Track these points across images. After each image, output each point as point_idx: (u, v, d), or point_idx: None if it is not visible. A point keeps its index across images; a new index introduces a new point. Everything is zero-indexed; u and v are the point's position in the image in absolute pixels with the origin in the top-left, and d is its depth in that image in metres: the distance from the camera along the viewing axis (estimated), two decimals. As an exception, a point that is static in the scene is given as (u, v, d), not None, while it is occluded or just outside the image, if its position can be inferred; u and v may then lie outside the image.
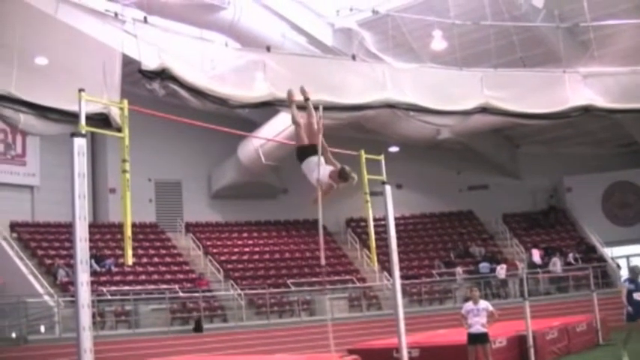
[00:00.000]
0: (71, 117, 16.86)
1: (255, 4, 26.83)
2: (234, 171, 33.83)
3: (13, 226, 29.55)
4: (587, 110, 26.26)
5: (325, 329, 24.49)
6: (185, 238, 33.79)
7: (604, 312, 24.85)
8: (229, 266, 31.99)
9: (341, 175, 10.31)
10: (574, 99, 25.99)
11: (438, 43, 27.53)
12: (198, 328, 26.03)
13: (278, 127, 28.46)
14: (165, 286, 28.26)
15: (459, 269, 32.94)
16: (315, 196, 10.38)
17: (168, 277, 29.82)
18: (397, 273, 14.13)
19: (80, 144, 8.71)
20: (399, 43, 28.14)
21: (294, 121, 10.90)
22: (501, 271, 32.17)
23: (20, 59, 18.08)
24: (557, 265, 32.59)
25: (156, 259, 31.00)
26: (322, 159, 10.44)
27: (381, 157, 14.53)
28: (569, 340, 21.32)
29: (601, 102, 26.24)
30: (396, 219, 15.35)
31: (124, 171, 9.11)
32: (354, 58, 25.12)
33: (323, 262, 14.13)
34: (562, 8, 26.15)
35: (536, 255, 33.92)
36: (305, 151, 10.61)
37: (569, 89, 25.90)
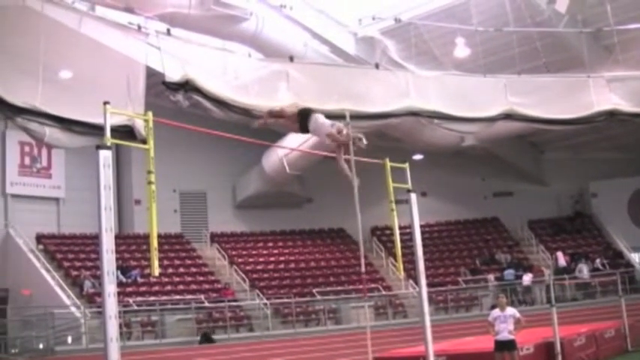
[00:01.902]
0: (96, 129, 17.02)
1: (277, 14, 26.86)
2: (259, 181, 33.85)
3: (40, 238, 29.75)
4: (612, 115, 26.14)
5: (351, 338, 24.72)
6: (210, 248, 33.82)
7: (632, 318, 24.65)
8: (255, 276, 31.99)
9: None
10: (599, 104, 25.89)
11: (461, 50, 27.47)
12: (207, 340, 25.98)
13: (302, 137, 28.43)
14: (190, 297, 28.36)
15: (490, 276, 32.73)
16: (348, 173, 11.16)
17: (193, 287, 29.88)
18: (423, 281, 14.09)
19: (105, 156, 8.76)
20: (422, 50, 28.06)
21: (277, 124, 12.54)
22: (526, 277, 31.95)
23: (45, 73, 18.25)
24: (583, 271, 32.32)
25: (181, 270, 31.07)
26: (321, 116, 10.99)
27: (406, 165, 14.47)
28: (597, 347, 21.15)
29: (626, 106, 26.12)
30: (421, 227, 15.24)
31: (150, 182, 9.13)
32: (377, 66, 25.17)
33: (363, 269, 14.14)
34: (585, 13, 25.98)
35: (561, 258, 33.63)
36: (302, 122, 11.36)
37: (593, 94, 25.79)
